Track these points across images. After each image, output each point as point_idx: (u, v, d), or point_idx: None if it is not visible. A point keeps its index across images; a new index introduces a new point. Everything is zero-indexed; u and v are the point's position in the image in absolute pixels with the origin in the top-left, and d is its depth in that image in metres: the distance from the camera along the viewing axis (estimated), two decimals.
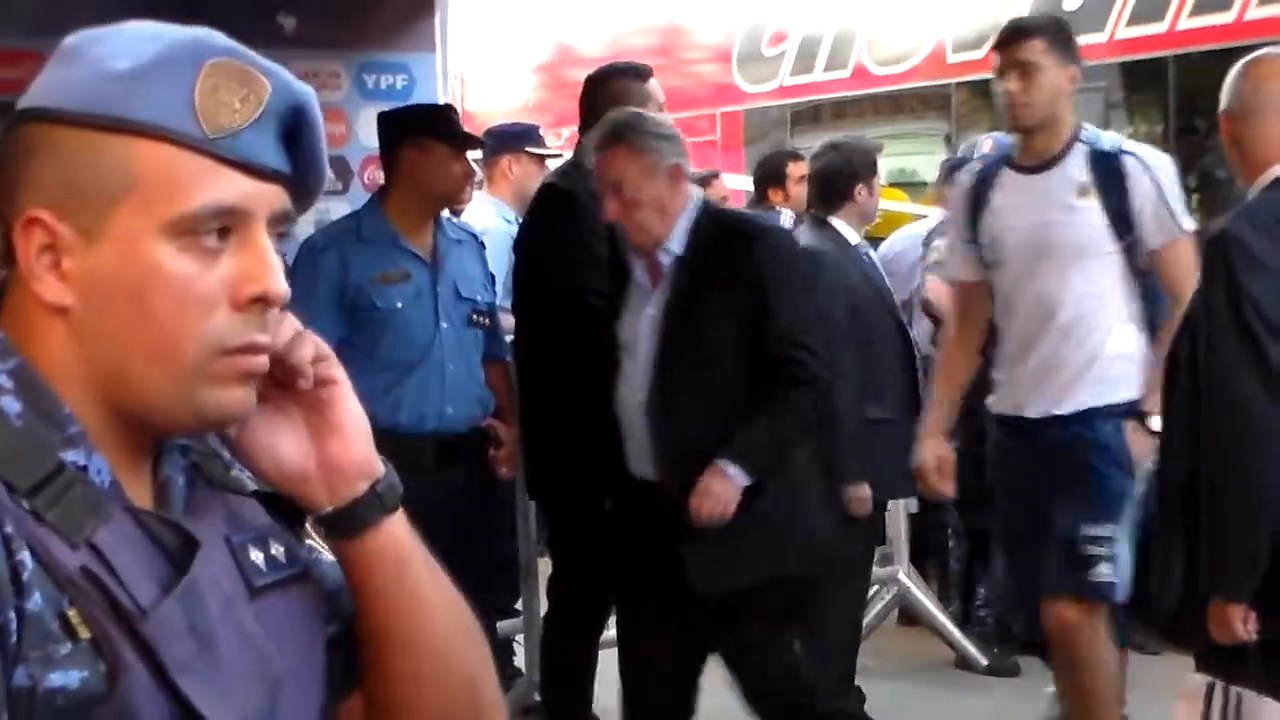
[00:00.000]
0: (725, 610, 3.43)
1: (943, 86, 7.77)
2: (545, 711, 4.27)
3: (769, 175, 7.01)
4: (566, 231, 3.93)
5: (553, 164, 5.05)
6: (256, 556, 1.07)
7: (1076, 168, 3.70)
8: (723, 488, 3.31)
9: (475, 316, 3.88)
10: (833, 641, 4.45)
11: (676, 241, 3.39)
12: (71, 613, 0.93)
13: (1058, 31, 3.82)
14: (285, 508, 1.14)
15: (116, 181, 1.00)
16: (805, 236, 4.52)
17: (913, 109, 8.18)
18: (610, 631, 4.30)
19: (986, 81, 7.42)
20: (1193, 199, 6.68)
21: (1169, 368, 3.03)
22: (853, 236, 4.48)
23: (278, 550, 1.09)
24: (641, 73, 4.17)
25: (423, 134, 3.80)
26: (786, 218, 6.77)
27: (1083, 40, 6.86)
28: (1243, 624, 2.81)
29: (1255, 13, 6.21)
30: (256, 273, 1.02)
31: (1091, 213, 3.67)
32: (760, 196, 6.98)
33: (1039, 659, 5.42)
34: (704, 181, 7.50)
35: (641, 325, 3.43)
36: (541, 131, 5.87)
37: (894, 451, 4.31)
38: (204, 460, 1.11)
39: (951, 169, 6.38)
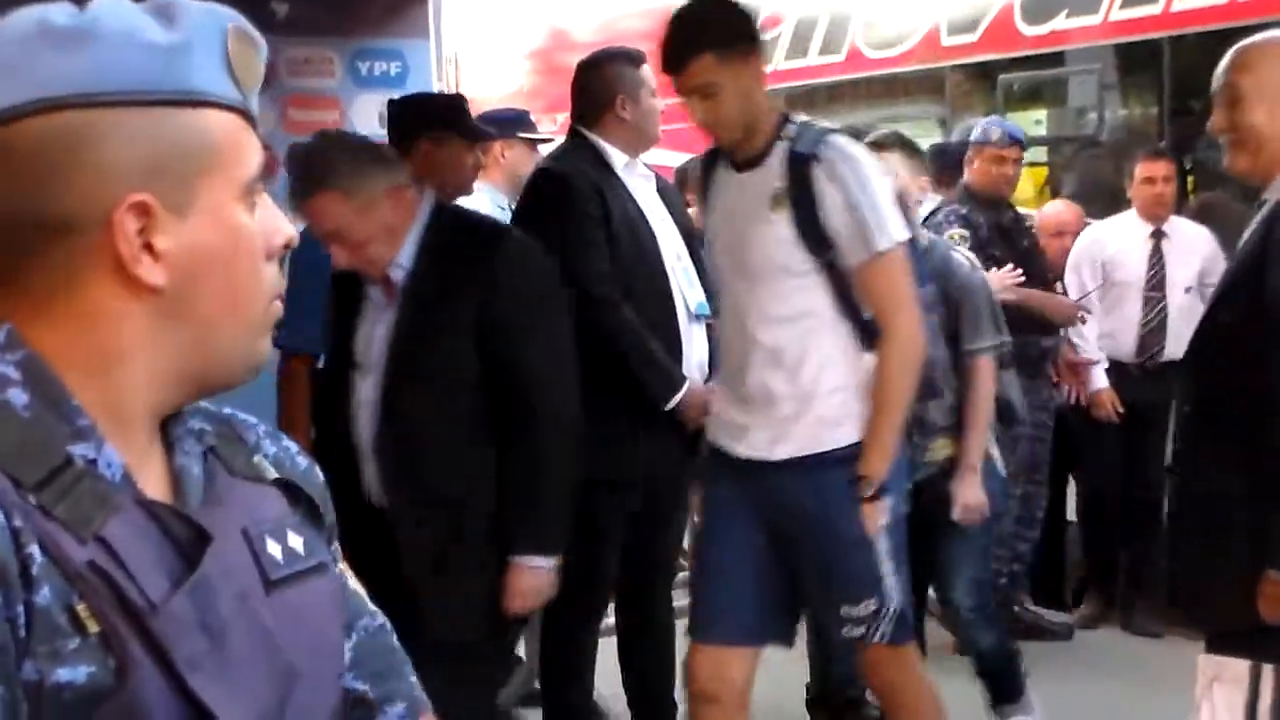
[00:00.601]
0: None
1: (937, 70, 7.75)
2: (545, 699, 4.27)
3: None
4: (563, 216, 3.92)
5: (545, 149, 5.03)
6: (274, 549, 1.06)
7: (774, 172, 3.26)
8: (531, 584, 3.15)
9: None
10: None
11: (406, 255, 3.14)
12: (80, 607, 0.93)
13: (723, 31, 3.27)
14: (306, 496, 1.14)
15: (199, 154, 1.02)
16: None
17: (908, 93, 8.15)
18: (610, 619, 4.29)
19: (981, 65, 7.46)
20: (1188, 180, 6.67)
21: (1196, 346, 2.98)
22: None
23: (296, 542, 1.08)
24: (634, 58, 4.16)
25: (440, 127, 3.79)
26: None
27: (1077, 22, 6.90)
28: None
29: None
30: (280, 224, 1.08)
31: (781, 225, 3.23)
32: None
33: (1037, 642, 5.46)
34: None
35: (375, 344, 3.19)
36: (534, 116, 5.85)
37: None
38: (224, 446, 1.10)
39: (938, 154, 6.39)
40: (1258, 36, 3.07)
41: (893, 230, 3.19)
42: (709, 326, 4.06)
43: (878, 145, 4.17)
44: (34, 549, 0.93)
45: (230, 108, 1.05)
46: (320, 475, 1.20)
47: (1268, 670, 2.74)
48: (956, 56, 7.58)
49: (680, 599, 4.64)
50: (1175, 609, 3.31)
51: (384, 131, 4.58)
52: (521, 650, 4.87)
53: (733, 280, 3.36)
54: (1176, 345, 5.60)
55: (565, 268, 3.85)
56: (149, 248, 1.01)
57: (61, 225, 1.00)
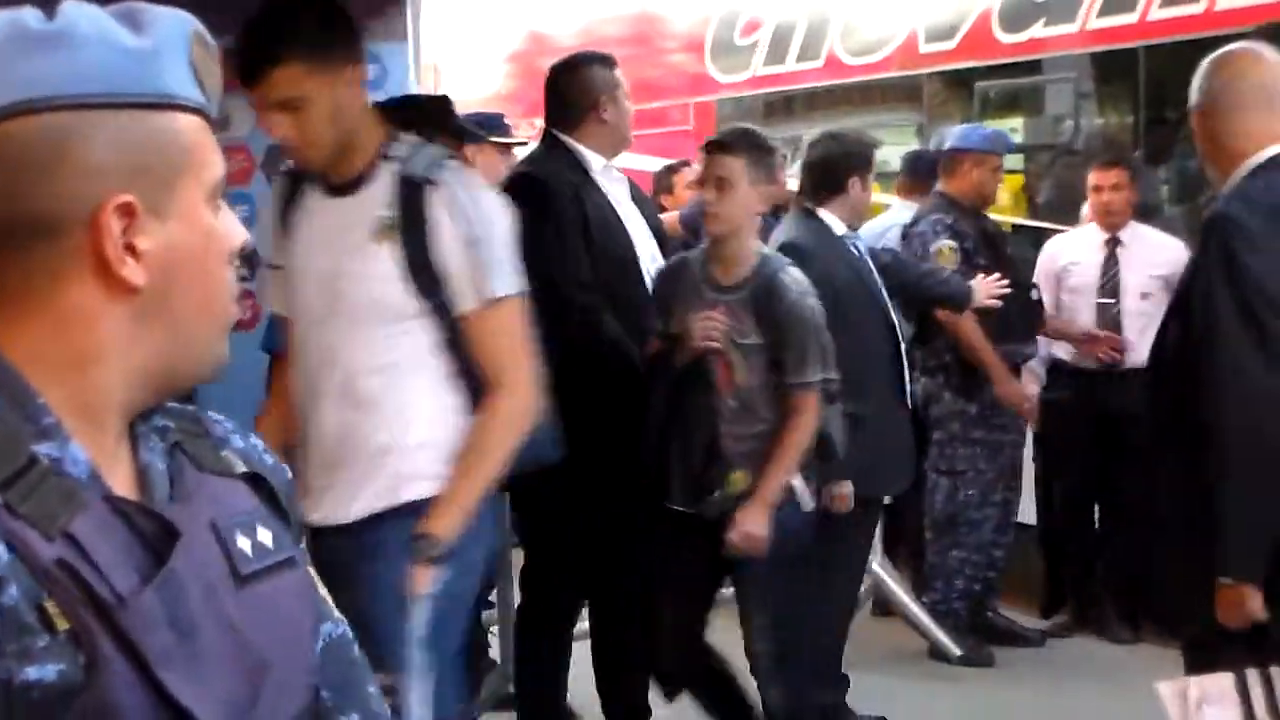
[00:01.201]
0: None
1: (915, 77, 7.77)
2: (519, 702, 4.27)
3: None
4: (542, 220, 3.92)
5: (520, 152, 5.03)
6: (244, 543, 1.07)
7: (377, 198, 2.81)
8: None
9: None
10: (816, 631, 4.48)
11: None
12: (49, 604, 0.93)
13: (312, 42, 2.78)
14: (273, 491, 1.15)
15: (177, 156, 1.05)
16: (791, 228, 4.52)
17: (885, 99, 8.18)
18: (583, 623, 4.30)
19: (959, 72, 7.48)
20: (1164, 190, 6.70)
21: (1154, 357, 3.03)
22: (839, 227, 4.47)
23: (265, 536, 1.09)
24: (609, 60, 4.17)
25: (428, 127, 3.77)
26: None
27: (1054, 30, 6.93)
28: (1254, 602, 2.78)
29: (1225, 3, 6.23)
30: (236, 227, 1.10)
31: (385, 259, 2.78)
32: None
33: (1015, 648, 5.47)
34: (674, 170, 7.50)
35: None
36: (512, 120, 5.85)
37: (878, 447, 4.33)
38: (189, 441, 1.11)
39: (913, 161, 6.41)
40: (1231, 46, 3.10)
41: (513, 276, 2.83)
42: None
43: (721, 146, 3.86)
44: (0, 548, 0.93)
45: (197, 111, 1.07)
46: (288, 473, 1.21)
47: (1253, 676, 2.76)
48: (934, 64, 7.61)
49: None
50: (1149, 617, 3.34)
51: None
52: (495, 653, 4.87)
53: (321, 321, 2.86)
54: (1136, 354, 5.65)
55: (544, 272, 3.85)
56: (130, 248, 1.03)
57: (46, 226, 1.01)
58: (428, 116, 3.85)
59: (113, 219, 1.01)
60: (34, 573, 0.93)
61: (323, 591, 1.20)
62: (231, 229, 1.10)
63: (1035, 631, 5.76)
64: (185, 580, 1.00)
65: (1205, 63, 3.08)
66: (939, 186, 5.66)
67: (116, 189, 1.01)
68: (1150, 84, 6.64)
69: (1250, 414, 2.78)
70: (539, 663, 4.19)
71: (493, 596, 4.79)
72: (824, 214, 4.49)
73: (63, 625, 0.93)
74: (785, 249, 4.38)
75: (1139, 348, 5.49)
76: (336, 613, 1.21)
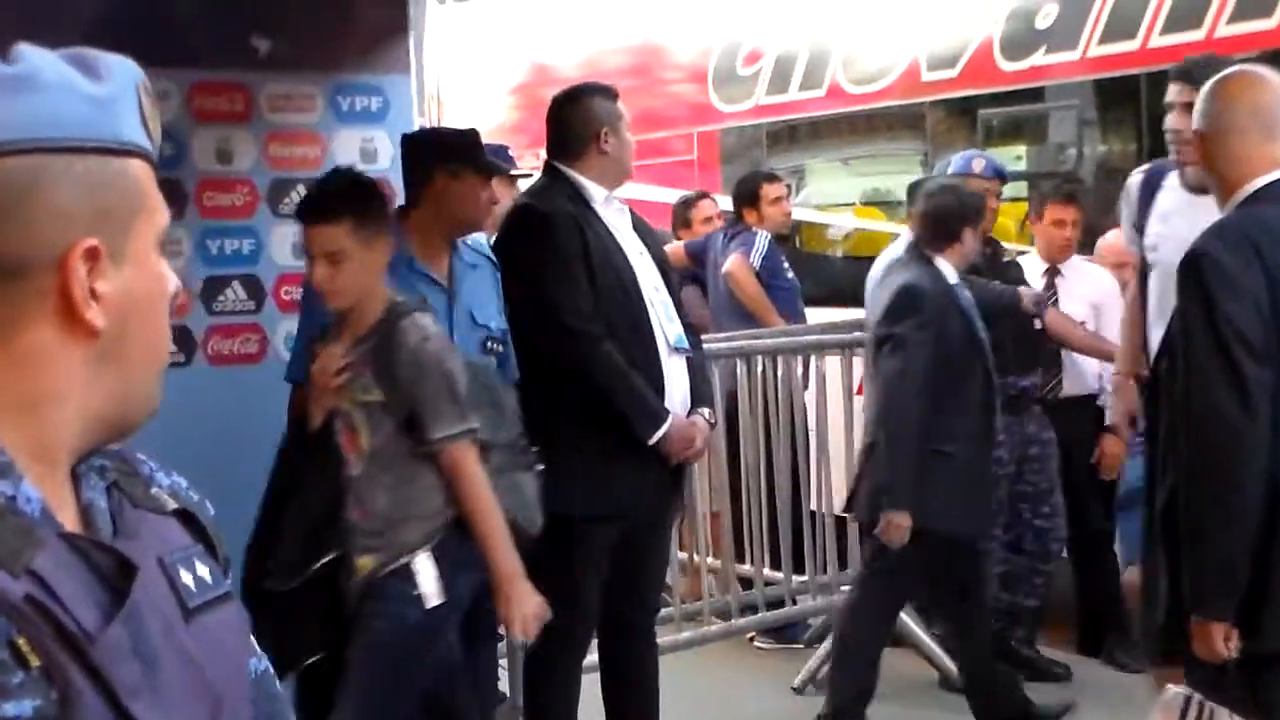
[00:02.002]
0: None
1: (917, 105, 7.79)
2: None
3: (743, 196, 7.03)
4: (543, 252, 3.92)
5: (524, 184, 5.03)
6: (187, 578, 1.09)
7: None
8: None
9: (489, 343, 3.83)
10: (858, 660, 4.59)
11: None
12: (20, 641, 0.93)
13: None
14: (200, 527, 1.17)
15: (134, 201, 1.07)
16: (908, 271, 4.71)
17: (888, 128, 8.19)
18: (593, 655, 4.28)
19: (961, 100, 7.50)
20: None
21: (1153, 389, 3.05)
22: (951, 276, 4.67)
23: (204, 571, 1.11)
24: (611, 91, 4.18)
25: (456, 161, 3.78)
26: (762, 238, 6.78)
27: (1056, 58, 6.95)
28: (1224, 642, 2.81)
29: (1225, 30, 6.24)
30: (168, 272, 1.12)
31: None
32: (737, 216, 7.01)
33: (1027, 678, 5.44)
34: (690, 202, 7.50)
35: None
36: (516, 152, 5.86)
37: (962, 487, 4.48)
38: (124, 479, 1.12)
39: (915, 190, 6.41)
40: (1234, 68, 3.11)
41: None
42: (688, 359, 4.07)
43: (318, 215, 3.38)
44: None
45: (147, 158, 1.09)
46: (210, 509, 1.22)
47: (1194, 700, 2.80)
48: (937, 92, 7.62)
49: (664, 635, 4.63)
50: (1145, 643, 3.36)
51: (366, 166, 4.59)
52: (504, 686, 4.85)
53: None
54: (1072, 382, 5.72)
55: (546, 304, 3.86)
56: (92, 292, 1.04)
57: (12, 268, 1.01)
58: (454, 149, 3.87)
59: (80, 262, 1.02)
60: (2, 610, 0.94)
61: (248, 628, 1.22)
62: (171, 275, 1.12)
63: (1062, 665, 5.70)
64: (145, 613, 1.01)
65: (1207, 85, 3.08)
66: None
67: (83, 233, 1.03)
68: (1153, 111, 6.65)
69: (1222, 455, 2.79)
70: (549, 697, 4.17)
71: (501, 629, 4.76)
72: (940, 261, 4.70)
73: (34, 661, 0.93)
74: (904, 291, 4.63)
75: (1072, 373, 5.80)
76: (258, 649, 1.23)
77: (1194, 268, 2.88)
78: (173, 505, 1.16)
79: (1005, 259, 5.72)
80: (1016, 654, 5.62)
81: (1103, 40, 6.71)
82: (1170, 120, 4.18)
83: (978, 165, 5.66)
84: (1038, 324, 5.59)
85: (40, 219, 1.01)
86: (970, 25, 7.39)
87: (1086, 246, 6.22)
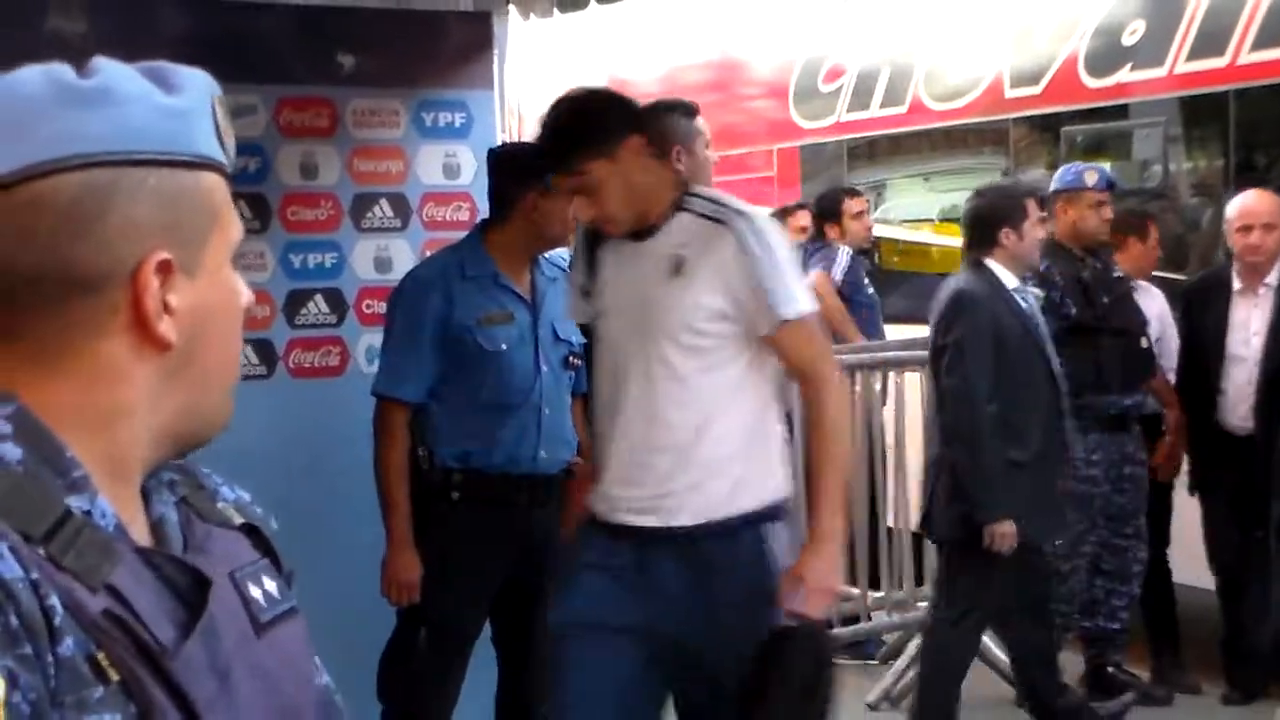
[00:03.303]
0: None
1: (1000, 122, 7.73)
2: None
3: (825, 211, 7.01)
4: None
5: None
6: (256, 592, 1.09)
7: (675, 239, 3.17)
8: None
9: (570, 358, 3.86)
10: (952, 674, 4.55)
11: None
12: (100, 656, 0.94)
13: (589, 133, 3.14)
14: (265, 541, 1.17)
15: (208, 215, 1.07)
16: (960, 278, 4.66)
17: (970, 144, 8.13)
18: None
19: (1044, 117, 7.44)
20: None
21: (1270, 401, 2.99)
22: (1009, 279, 4.61)
23: (271, 585, 1.11)
24: (689, 109, 4.16)
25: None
26: (844, 253, 6.76)
27: (1142, 75, 6.87)
28: None
29: None
30: (242, 286, 1.12)
31: (685, 292, 3.20)
32: (819, 232, 6.98)
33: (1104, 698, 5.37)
34: (789, 211, 7.44)
35: None
36: None
37: (1035, 494, 4.46)
38: (192, 494, 1.13)
39: None
40: None
41: (799, 300, 3.13)
42: None
43: None
44: (54, 600, 0.94)
45: (222, 172, 1.09)
46: (273, 523, 1.22)
47: None
48: (1020, 109, 7.56)
49: None
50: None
51: (448, 182, 4.63)
52: None
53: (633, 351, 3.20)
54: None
55: None
56: (165, 305, 1.04)
57: (86, 281, 1.02)
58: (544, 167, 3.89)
59: (153, 276, 1.02)
60: (83, 624, 0.94)
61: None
62: (243, 288, 1.12)
63: (1162, 689, 5.61)
64: (220, 628, 1.02)
65: None
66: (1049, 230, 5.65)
67: (157, 246, 1.03)
68: (1241, 128, 6.56)
69: None
70: None
71: None
72: (993, 265, 4.63)
73: (114, 676, 0.94)
74: (955, 296, 4.58)
75: None
76: (318, 661, 1.22)
77: None
78: (239, 520, 1.15)
79: (1116, 274, 5.59)
80: (1113, 680, 5.54)
81: (1191, 56, 6.62)
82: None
83: (1090, 178, 5.50)
84: (1144, 342, 5.48)
85: (115, 232, 1.01)
86: (1055, 41, 7.32)
87: (1169, 264, 6.14)
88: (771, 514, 3.15)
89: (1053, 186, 5.64)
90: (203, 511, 1.12)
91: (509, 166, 3.91)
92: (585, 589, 3.18)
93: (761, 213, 3.20)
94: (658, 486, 3.10)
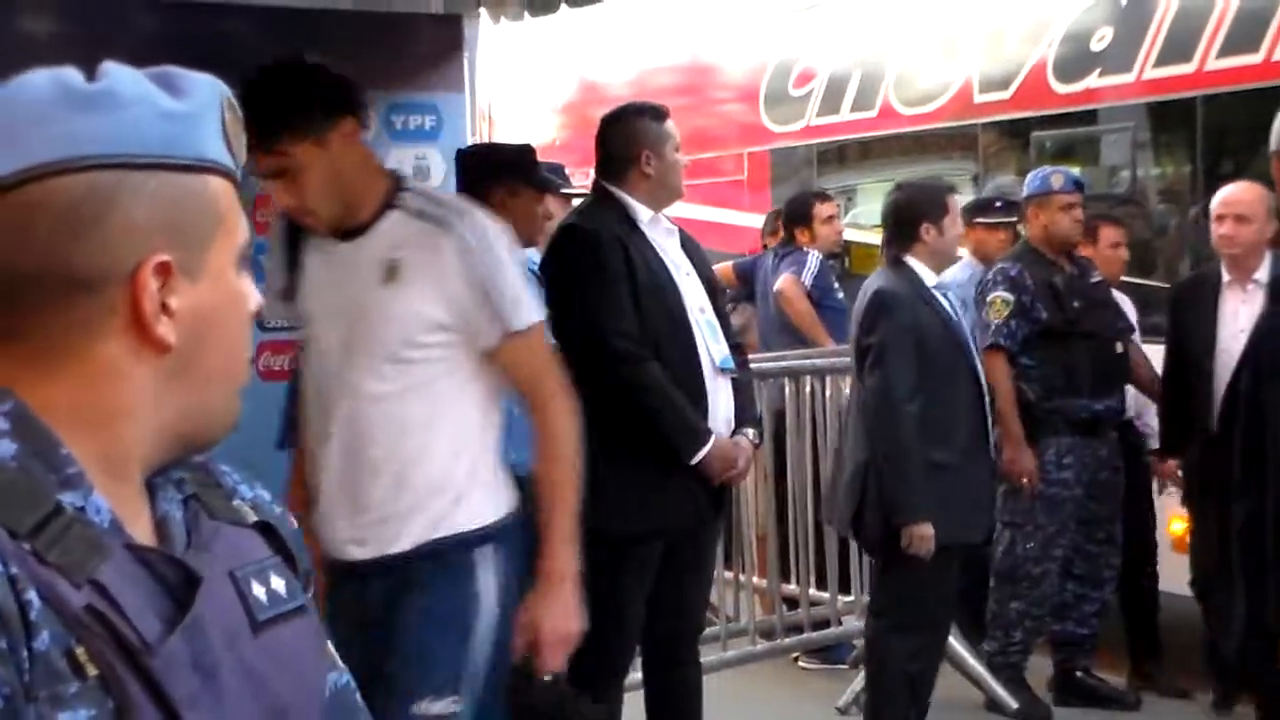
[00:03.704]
0: None
1: (969, 127, 7.76)
2: None
3: (795, 215, 7.01)
4: (588, 272, 3.93)
5: (576, 203, 5.05)
6: (259, 590, 1.09)
7: (387, 241, 2.84)
8: None
9: None
10: (891, 684, 4.50)
11: None
12: (79, 651, 0.95)
13: (295, 110, 2.76)
14: (281, 540, 1.17)
15: (211, 219, 1.08)
16: (879, 277, 4.59)
17: (939, 149, 8.17)
18: (636, 674, 4.27)
19: (1014, 122, 7.47)
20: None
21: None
22: (929, 277, 4.55)
23: (278, 584, 1.12)
24: (658, 112, 4.18)
25: (514, 177, 3.81)
26: (814, 258, 6.77)
27: (1110, 80, 6.91)
28: None
29: None
30: (252, 290, 1.13)
31: (398, 302, 2.88)
32: (789, 237, 6.98)
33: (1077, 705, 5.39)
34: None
35: None
36: (567, 171, 5.87)
37: (960, 495, 4.38)
38: (204, 491, 1.14)
39: (974, 209, 6.37)
40: None
41: (526, 309, 2.87)
42: (733, 380, 4.07)
43: None
44: (32, 595, 0.95)
45: (227, 175, 1.10)
46: (294, 523, 1.23)
47: None
48: (989, 113, 7.60)
49: (708, 654, 4.62)
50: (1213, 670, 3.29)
51: (421, 184, 4.62)
52: None
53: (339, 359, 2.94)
54: None
55: (590, 323, 3.87)
56: (165, 307, 1.05)
57: (85, 281, 1.03)
58: (511, 166, 3.90)
59: (152, 278, 1.04)
60: (63, 619, 0.95)
61: (327, 641, 1.22)
62: (252, 292, 1.13)
63: (1130, 693, 5.63)
64: (208, 625, 1.02)
65: None
66: (1023, 234, 5.67)
67: (155, 248, 1.04)
68: (1208, 134, 6.60)
69: None
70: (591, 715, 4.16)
71: None
72: (913, 262, 4.56)
73: (92, 671, 0.95)
74: (875, 297, 4.53)
75: None
76: (340, 662, 1.23)
77: None
78: (253, 518, 1.16)
79: (1094, 279, 5.60)
80: (1080, 685, 5.57)
81: (1158, 62, 6.66)
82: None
83: (1056, 181, 5.54)
84: (1119, 347, 5.50)
85: (115, 234, 1.03)
86: (1024, 46, 7.36)
87: (1136, 269, 6.18)
88: (485, 536, 2.83)
89: (1024, 193, 5.69)
90: (213, 509, 1.13)
91: (475, 166, 3.92)
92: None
93: (483, 213, 2.90)
94: (374, 512, 2.82)
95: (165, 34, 4.00)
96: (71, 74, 1.05)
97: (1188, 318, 5.27)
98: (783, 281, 6.67)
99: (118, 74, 1.06)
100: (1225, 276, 5.19)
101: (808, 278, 6.69)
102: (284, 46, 4.39)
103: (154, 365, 1.06)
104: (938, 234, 4.54)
